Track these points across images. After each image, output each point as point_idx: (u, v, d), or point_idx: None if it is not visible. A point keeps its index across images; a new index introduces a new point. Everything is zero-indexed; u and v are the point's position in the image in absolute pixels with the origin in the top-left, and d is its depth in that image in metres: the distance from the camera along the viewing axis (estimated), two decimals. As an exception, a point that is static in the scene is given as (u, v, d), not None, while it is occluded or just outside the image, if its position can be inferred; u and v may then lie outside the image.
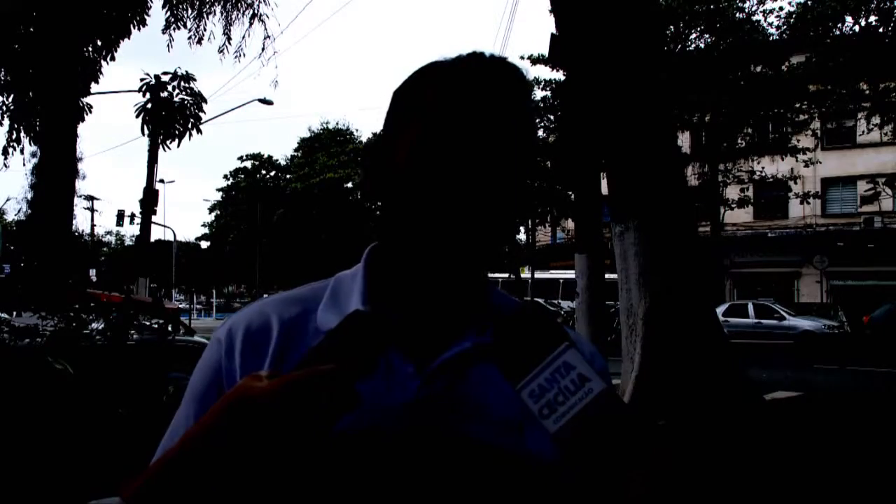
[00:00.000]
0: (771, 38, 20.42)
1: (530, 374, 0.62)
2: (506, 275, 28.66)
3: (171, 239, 42.91)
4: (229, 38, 15.24)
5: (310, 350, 0.65)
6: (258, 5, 15.09)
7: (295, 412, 0.61)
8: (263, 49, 18.95)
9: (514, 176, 0.73)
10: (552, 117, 23.78)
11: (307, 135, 46.02)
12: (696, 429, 5.31)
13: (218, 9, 14.95)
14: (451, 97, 0.73)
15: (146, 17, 13.73)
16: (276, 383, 0.62)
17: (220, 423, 0.62)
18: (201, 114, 20.18)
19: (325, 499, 0.69)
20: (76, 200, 15.92)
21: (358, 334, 0.65)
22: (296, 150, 46.69)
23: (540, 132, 24.92)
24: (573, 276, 7.79)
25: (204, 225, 54.37)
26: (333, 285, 0.81)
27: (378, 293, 0.78)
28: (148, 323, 5.92)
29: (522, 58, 22.50)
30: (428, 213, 0.71)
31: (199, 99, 20.08)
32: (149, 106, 20.14)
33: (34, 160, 14.03)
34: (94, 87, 13.79)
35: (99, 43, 13.28)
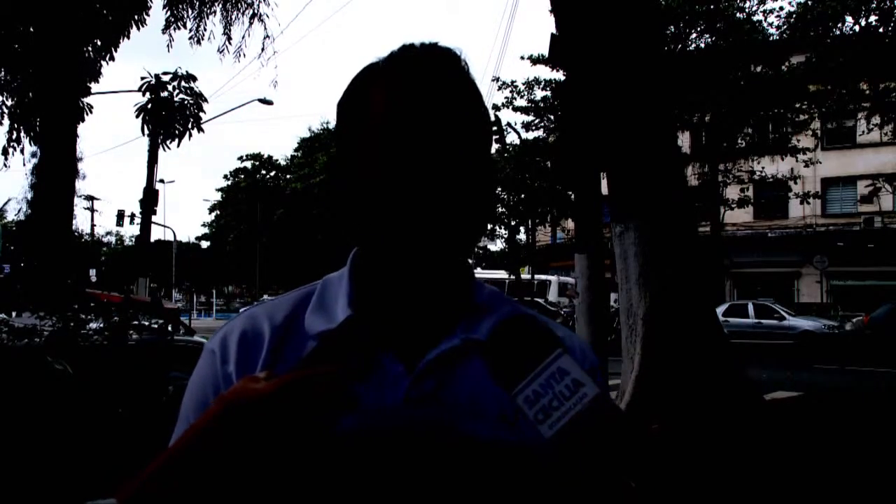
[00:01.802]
0: (771, 38, 20.40)
1: (525, 379, 0.63)
2: (506, 275, 28.63)
3: (171, 239, 42.94)
4: (229, 38, 15.23)
5: (306, 356, 0.65)
6: (258, 5, 15.08)
7: (293, 413, 0.61)
8: (263, 49, 18.96)
9: (469, 158, 0.73)
10: (552, 117, 23.78)
11: (307, 135, 46.08)
12: (696, 429, 5.31)
13: (218, 9, 14.94)
14: (393, 98, 0.73)
15: (146, 16, 13.73)
16: (273, 384, 0.62)
17: (217, 423, 0.62)
18: (201, 114, 20.20)
19: (320, 499, 0.69)
20: (76, 200, 15.88)
21: (352, 339, 0.65)
22: (296, 150, 46.74)
23: (540, 132, 24.93)
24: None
25: (204, 225, 54.47)
26: (321, 288, 0.82)
27: (364, 295, 0.79)
28: (147, 323, 5.91)
29: (522, 58, 22.54)
30: (392, 211, 0.71)
31: (199, 99, 20.09)
32: (149, 106, 20.14)
33: (34, 160, 13.99)
34: (94, 87, 13.81)
35: (99, 43, 13.27)
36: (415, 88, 0.73)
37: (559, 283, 28.51)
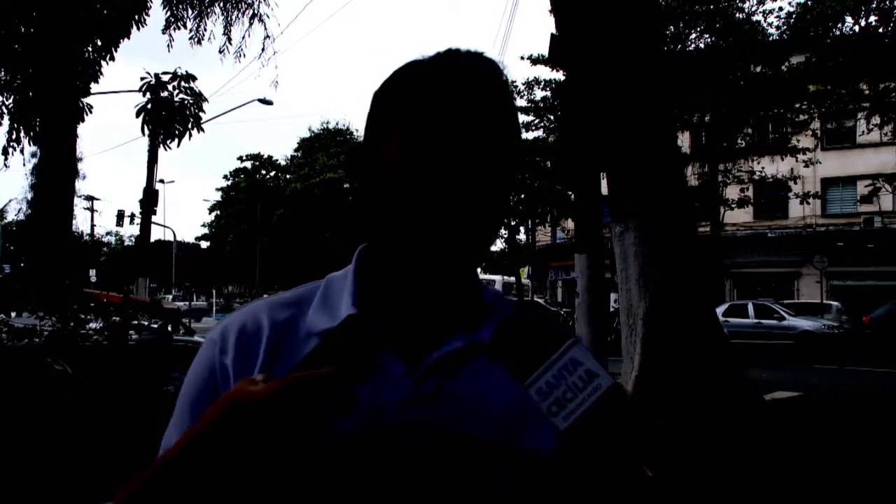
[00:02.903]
0: (771, 38, 20.40)
1: (537, 371, 0.62)
2: (502, 277, 28.62)
3: (171, 239, 42.96)
4: (229, 39, 15.24)
5: (306, 355, 0.65)
6: (258, 5, 15.09)
7: (292, 414, 0.60)
8: (263, 49, 18.96)
9: (497, 174, 0.73)
10: (552, 117, 23.78)
11: (307, 135, 46.08)
12: (696, 429, 5.31)
13: (218, 9, 14.95)
14: (432, 99, 0.72)
15: (146, 16, 13.73)
16: (272, 386, 0.61)
17: (217, 425, 0.61)
18: (201, 114, 20.17)
19: (320, 499, 0.69)
20: (76, 200, 15.88)
21: (353, 338, 0.65)
22: (296, 150, 46.74)
23: (540, 132, 24.92)
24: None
25: (204, 225, 54.42)
26: (324, 287, 0.81)
27: (369, 294, 0.78)
28: (147, 323, 5.91)
29: (522, 58, 22.54)
30: (413, 215, 0.71)
31: (199, 99, 20.05)
32: (149, 106, 20.13)
33: (34, 160, 14.01)
34: (94, 87, 13.80)
35: (99, 43, 13.28)
36: (457, 93, 0.72)
37: (503, 282, 28.55)
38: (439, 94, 0.73)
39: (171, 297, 42.94)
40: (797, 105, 20.95)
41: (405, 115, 0.73)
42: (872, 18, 18.32)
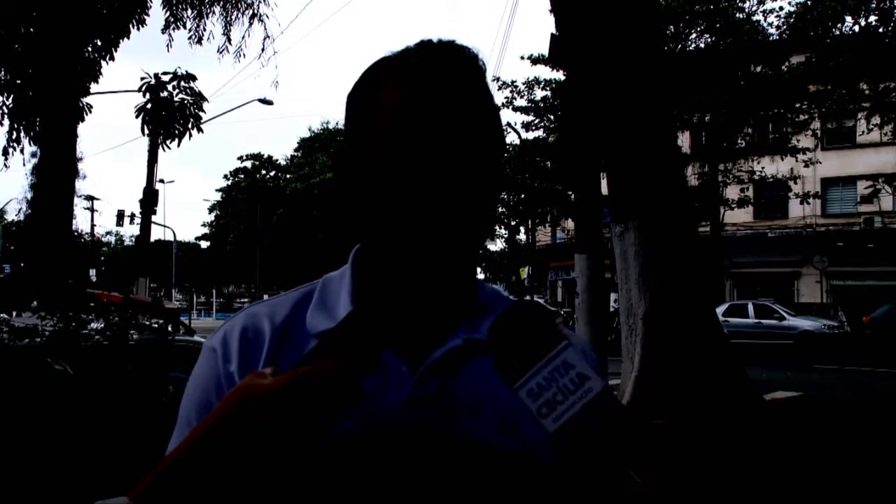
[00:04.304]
0: (771, 38, 20.41)
1: (528, 372, 0.62)
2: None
3: (171, 239, 42.96)
4: (229, 39, 15.22)
5: (308, 353, 0.65)
6: (258, 5, 15.07)
7: (302, 406, 0.60)
8: (263, 49, 18.93)
9: (481, 162, 0.72)
10: (552, 117, 23.78)
11: (307, 135, 46.11)
12: (697, 429, 5.31)
13: (217, 9, 14.94)
14: (408, 93, 0.71)
15: (146, 16, 13.73)
16: (282, 379, 0.61)
17: (228, 417, 0.61)
18: (201, 113, 20.16)
19: (323, 499, 0.69)
20: (76, 200, 15.88)
21: (356, 335, 0.65)
22: (296, 150, 46.76)
23: (540, 132, 24.92)
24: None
25: (204, 225, 54.45)
26: (321, 287, 0.81)
27: (366, 293, 0.78)
28: (148, 323, 5.89)
29: (522, 58, 22.54)
30: (401, 212, 0.70)
31: (199, 98, 20.05)
32: (149, 106, 20.13)
33: (34, 160, 14.00)
34: (94, 87, 13.80)
35: (99, 43, 13.28)
36: (430, 83, 0.71)
37: None
38: (415, 82, 0.72)
39: (180, 298, 42.92)
40: (797, 105, 20.95)
41: (383, 106, 0.72)
42: (872, 18, 18.34)
